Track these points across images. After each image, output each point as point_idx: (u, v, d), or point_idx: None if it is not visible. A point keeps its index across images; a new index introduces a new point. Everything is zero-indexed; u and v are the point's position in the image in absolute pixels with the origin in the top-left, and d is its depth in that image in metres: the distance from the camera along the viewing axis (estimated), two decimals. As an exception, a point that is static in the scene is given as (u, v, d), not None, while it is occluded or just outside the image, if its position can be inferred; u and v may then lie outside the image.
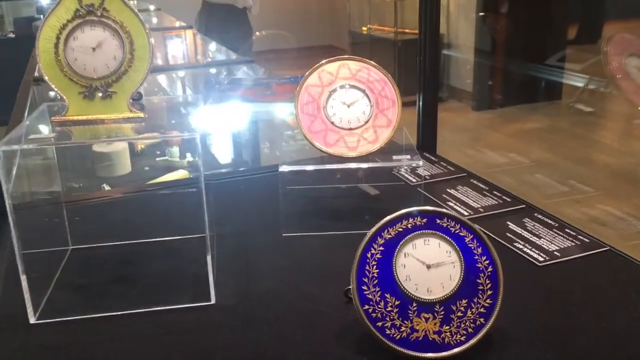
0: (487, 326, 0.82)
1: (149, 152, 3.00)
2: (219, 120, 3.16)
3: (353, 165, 1.18)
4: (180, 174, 2.78)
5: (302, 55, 6.17)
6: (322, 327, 0.91)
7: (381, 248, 0.85)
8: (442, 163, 1.52)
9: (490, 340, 0.85)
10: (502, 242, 1.12)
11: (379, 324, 0.83)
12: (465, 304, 0.83)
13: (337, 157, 1.18)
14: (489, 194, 1.32)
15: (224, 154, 2.77)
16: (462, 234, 0.85)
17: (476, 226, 0.86)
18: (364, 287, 0.84)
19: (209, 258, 0.96)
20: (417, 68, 1.60)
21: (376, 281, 0.84)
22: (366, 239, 0.85)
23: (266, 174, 1.51)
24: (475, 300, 0.83)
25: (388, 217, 0.86)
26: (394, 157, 1.20)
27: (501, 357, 0.83)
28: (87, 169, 2.50)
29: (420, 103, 1.61)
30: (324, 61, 1.22)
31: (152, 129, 1.07)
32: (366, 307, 0.83)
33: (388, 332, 0.83)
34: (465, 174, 1.45)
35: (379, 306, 0.83)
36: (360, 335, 0.86)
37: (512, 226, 1.17)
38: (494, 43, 5.29)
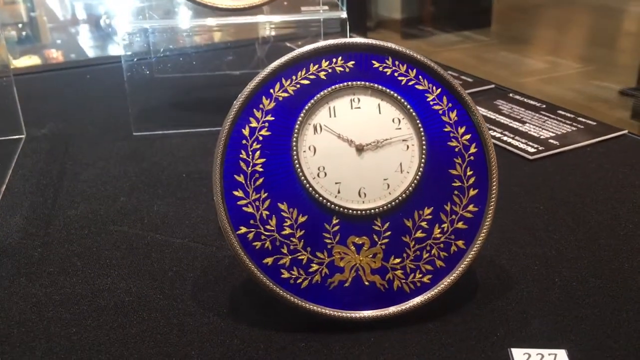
0: (470, 257, 0.44)
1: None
2: None
3: (247, 20, 0.75)
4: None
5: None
6: (181, 273, 0.50)
7: (269, 118, 0.44)
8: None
9: (474, 279, 0.48)
10: (469, 130, 0.73)
11: (268, 260, 0.43)
12: (430, 216, 0.44)
13: (213, 8, 0.75)
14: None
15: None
16: (420, 87, 0.45)
17: (446, 73, 0.46)
18: (237, 192, 0.43)
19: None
20: None
21: (261, 180, 0.43)
22: (239, 101, 0.44)
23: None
24: (447, 207, 0.44)
25: (282, 59, 0.45)
26: (304, 8, 0.78)
27: (493, 307, 0.45)
28: None
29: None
30: None
31: None
32: (242, 229, 0.43)
33: (285, 275, 0.43)
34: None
35: (268, 227, 0.43)
36: (242, 282, 0.47)
37: (482, 111, 0.79)
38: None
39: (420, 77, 0.46)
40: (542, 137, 0.70)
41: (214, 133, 0.75)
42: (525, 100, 0.82)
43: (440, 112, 0.45)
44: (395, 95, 0.45)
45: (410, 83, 0.45)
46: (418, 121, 0.44)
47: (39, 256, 0.53)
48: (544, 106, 0.80)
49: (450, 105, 0.45)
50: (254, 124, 0.44)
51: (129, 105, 0.76)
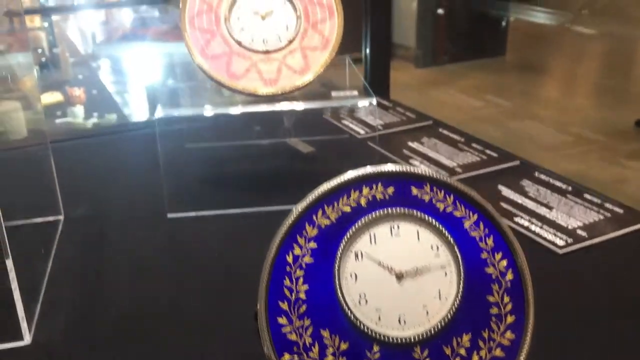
0: (508, 381, 0.45)
1: (47, 112, 2.50)
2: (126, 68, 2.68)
3: (272, 107, 0.77)
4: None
5: None
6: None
7: (312, 245, 0.46)
8: (398, 109, 1.14)
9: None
10: (497, 217, 0.74)
11: (311, 388, 0.44)
12: (469, 343, 0.45)
13: (248, 94, 0.78)
14: (466, 147, 0.95)
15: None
16: (458, 214, 0.47)
17: (482, 200, 0.47)
18: (281, 319, 0.45)
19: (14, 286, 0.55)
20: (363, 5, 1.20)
21: (304, 307, 0.45)
22: (284, 228, 0.46)
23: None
24: (485, 334, 0.45)
25: (324, 186, 0.47)
26: (334, 94, 0.80)
27: None
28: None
29: (368, 29, 1.21)
30: (227, -47, 0.80)
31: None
32: (286, 356, 0.44)
33: (328, 402, 0.44)
34: (431, 122, 1.07)
35: (311, 354, 0.44)
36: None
37: (507, 192, 0.80)
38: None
39: (457, 203, 0.47)
40: (570, 226, 0.71)
41: (247, 216, 0.78)
42: (551, 181, 0.83)
43: (478, 238, 0.46)
44: (434, 222, 0.46)
45: (448, 209, 0.47)
46: (456, 248, 0.46)
47: (83, 360, 0.55)
48: (570, 188, 0.81)
49: (487, 231, 0.47)
50: (297, 251, 0.46)
51: (162, 184, 0.79)
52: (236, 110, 0.77)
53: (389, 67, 1.24)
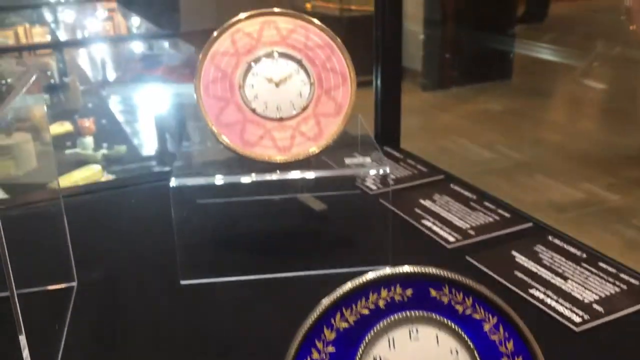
0: None
1: (56, 143, 2.52)
2: (134, 106, 2.69)
3: (284, 176, 0.77)
4: (92, 170, 2.32)
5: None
6: None
7: (330, 349, 0.45)
8: (409, 160, 1.14)
9: None
10: (512, 287, 0.74)
11: None
12: None
13: (262, 162, 0.78)
14: (478, 206, 0.95)
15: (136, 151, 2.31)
16: (477, 316, 0.47)
17: (502, 302, 0.47)
18: None
19: None
20: (374, 40, 1.21)
21: (323, 415, 0.44)
22: (302, 331, 0.46)
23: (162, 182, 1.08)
24: None
25: (343, 288, 0.46)
26: (348, 161, 0.80)
27: None
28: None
29: (378, 82, 1.22)
30: (240, 16, 0.81)
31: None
32: None
33: None
34: (442, 176, 1.07)
35: None
36: None
37: (521, 260, 0.80)
38: (444, 20, 4.96)
39: (476, 305, 0.47)
40: (586, 300, 0.71)
41: (260, 283, 0.77)
42: (565, 246, 0.83)
43: (497, 342, 0.46)
44: (453, 325, 0.46)
45: (467, 312, 0.47)
46: (475, 353, 0.45)
47: None
48: (585, 256, 0.80)
49: (506, 334, 0.46)
50: (315, 356, 0.45)
51: (176, 250, 0.79)
52: (247, 179, 0.77)
53: (399, 115, 1.25)
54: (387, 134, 1.24)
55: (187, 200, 0.77)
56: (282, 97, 0.79)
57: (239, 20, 0.80)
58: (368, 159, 0.80)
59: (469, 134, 3.35)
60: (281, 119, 0.79)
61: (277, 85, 0.79)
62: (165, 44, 2.68)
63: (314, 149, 0.78)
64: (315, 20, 0.81)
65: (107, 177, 2.27)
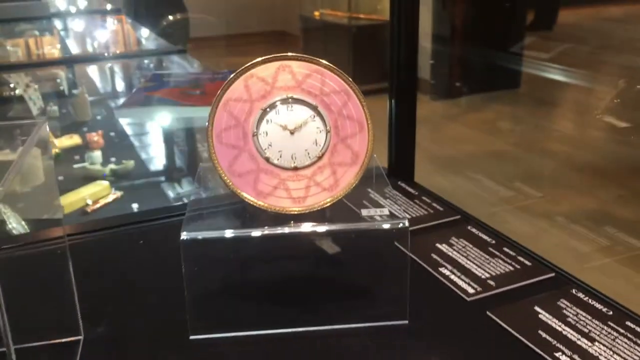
0: None
1: (65, 157, 2.51)
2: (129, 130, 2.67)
3: (296, 229, 0.75)
4: (100, 186, 2.30)
5: (249, 42, 5.67)
6: None
7: None
8: (424, 198, 1.11)
9: None
10: (537, 349, 0.71)
11: None
12: None
13: (276, 213, 0.75)
14: (497, 252, 0.92)
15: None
16: None
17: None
18: None
19: None
20: (390, 62, 1.18)
21: None
22: None
23: (169, 219, 1.06)
24: None
25: None
26: (364, 213, 0.77)
27: None
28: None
29: (393, 111, 1.19)
30: (256, 60, 0.78)
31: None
32: None
33: None
34: (459, 217, 1.04)
35: None
36: None
37: (544, 316, 0.77)
38: (453, 29, 4.94)
39: None
40: (615, 366, 0.68)
41: (273, 338, 0.75)
42: (590, 301, 0.79)
43: None
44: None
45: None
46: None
47: None
48: (611, 313, 0.77)
49: None
50: None
51: (185, 302, 0.76)
52: (258, 232, 0.74)
53: (414, 147, 1.22)
54: (401, 167, 1.21)
55: (197, 253, 0.74)
56: (297, 145, 0.76)
57: (252, 65, 0.77)
58: (385, 210, 0.77)
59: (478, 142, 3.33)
60: (296, 168, 0.76)
61: (292, 132, 0.76)
62: (174, 60, 2.66)
63: (329, 199, 0.75)
64: (331, 65, 0.78)
65: (115, 193, 2.25)
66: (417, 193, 1.13)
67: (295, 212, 0.75)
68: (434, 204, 1.08)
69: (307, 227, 0.74)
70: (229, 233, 0.74)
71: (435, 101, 4.89)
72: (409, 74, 1.18)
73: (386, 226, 0.75)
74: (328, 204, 0.76)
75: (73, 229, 1.02)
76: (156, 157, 2.64)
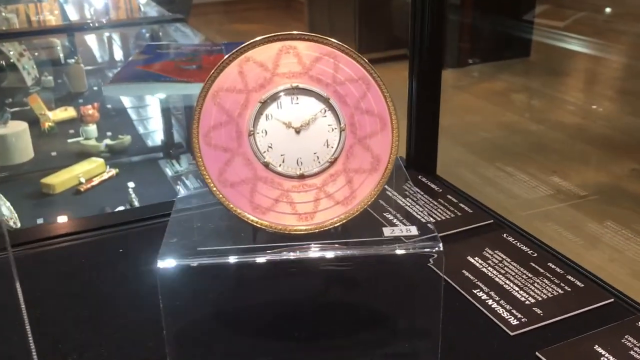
0: None
1: (60, 131, 2.36)
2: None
3: (304, 255, 0.60)
4: (94, 163, 2.15)
5: (252, 7, 5.45)
6: None
7: None
8: (449, 196, 0.95)
9: None
10: (602, 408, 0.57)
11: None
12: None
13: (278, 233, 0.60)
14: (541, 269, 0.77)
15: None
16: None
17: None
18: None
19: None
20: (411, 37, 1.01)
21: None
22: None
23: (156, 223, 0.90)
24: None
25: None
26: (387, 232, 0.62)
27: None
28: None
29: (414, 95, 1.03)
30: (253, 40, 0.62)
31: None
32: None
33: None
34: (491, 221, 0.89)
35: None
36: None
37: (607, 358, 0.62)
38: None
39: None
40: None
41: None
42: (664, 339, 0.65)
43: None
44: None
45: None
46: None
47: None
48: (691, 355, 0.62)
49: None
50: None
51: (165, 341, 0.62)
52: (262, 258, 0.59)
53: (436, 135, 1.06)
54: (421, 158, 1.06)
55: (178, 284, 0.59)
56: (303, 147, 0.61)
57: (247, 47, 0.61)
58: (413, 229, 0.62)
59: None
60: (302, 177, 0.61)
61: (297, 131, 0.61)
62: (172, 30, 2.49)
63: (344, 215, 0.61)
64: (345, 46, 0.63)
65: (109, 171, 2.11)
66: (440, 190, 0.98)
67: (302, 232, 0.60)
68: (462, 205, 0.93)
69: (315, 251, 0.59)
70: (219, 259, 0.59)
71: (444, 70, 4.69)
72: (434, 48, 1.01)
73: (415, 250, 0.60)
74: (342, 222, 0.61)
75: (25, 236, 0.87)
76: (154, 132, 2.48)
